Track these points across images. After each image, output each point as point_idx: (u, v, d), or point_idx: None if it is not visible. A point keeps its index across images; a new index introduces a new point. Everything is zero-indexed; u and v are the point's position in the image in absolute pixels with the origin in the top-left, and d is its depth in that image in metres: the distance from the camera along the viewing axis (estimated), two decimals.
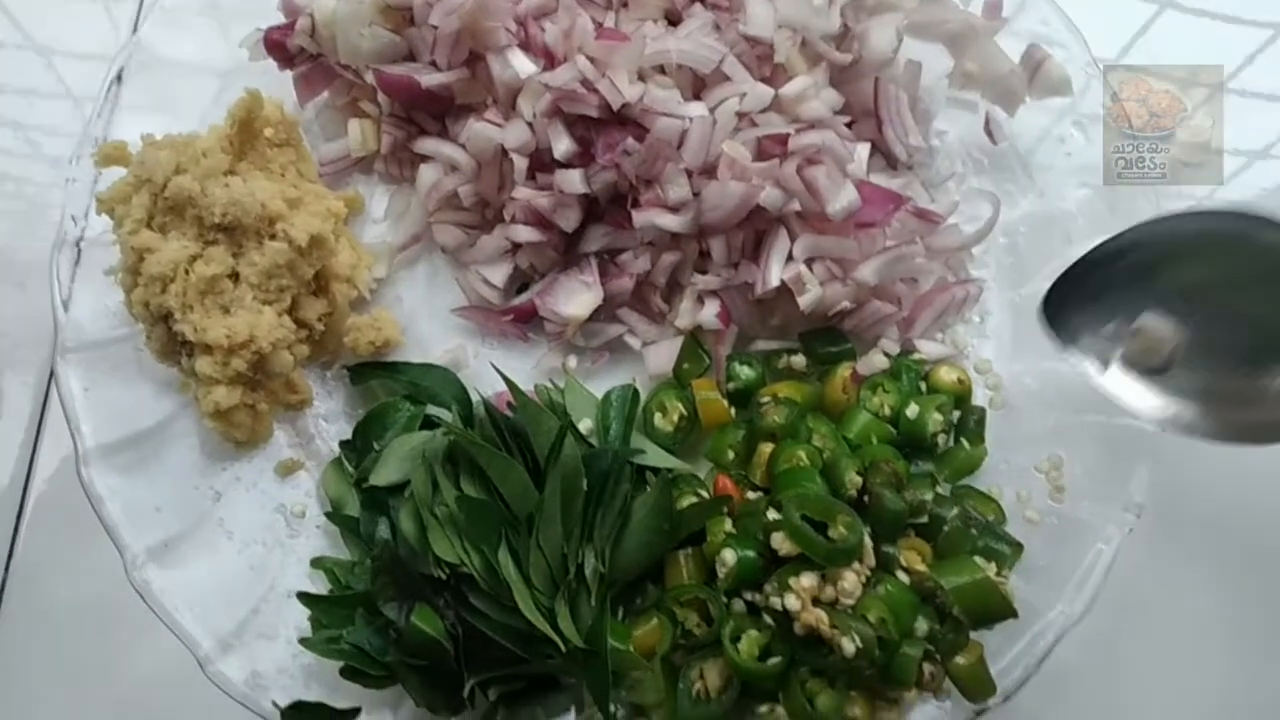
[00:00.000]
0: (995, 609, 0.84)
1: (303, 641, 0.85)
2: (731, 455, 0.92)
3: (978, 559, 0.86)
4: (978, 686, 0.85)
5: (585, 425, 0.90)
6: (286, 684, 0.88)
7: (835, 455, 0.89)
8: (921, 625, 0.83)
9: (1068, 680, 0.99)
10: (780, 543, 0.81)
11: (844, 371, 0.96)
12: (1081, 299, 0.92)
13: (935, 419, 0.92)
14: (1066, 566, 0.92)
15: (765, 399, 0.93)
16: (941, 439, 0.93)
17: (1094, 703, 1.02)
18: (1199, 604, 1.05)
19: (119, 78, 1.03)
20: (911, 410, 0.93)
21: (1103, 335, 0.92)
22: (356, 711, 0.85)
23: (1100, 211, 1.04)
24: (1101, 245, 0.92)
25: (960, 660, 0.85)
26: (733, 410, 0.95)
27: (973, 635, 0.86)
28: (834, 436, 0.91)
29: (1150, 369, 0.91)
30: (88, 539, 0.93)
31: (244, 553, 0.93)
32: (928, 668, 0.83)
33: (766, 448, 0.90)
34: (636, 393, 0.94)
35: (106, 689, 1.00)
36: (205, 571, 0.91)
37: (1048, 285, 1.03)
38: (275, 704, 0.85)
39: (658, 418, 0.93)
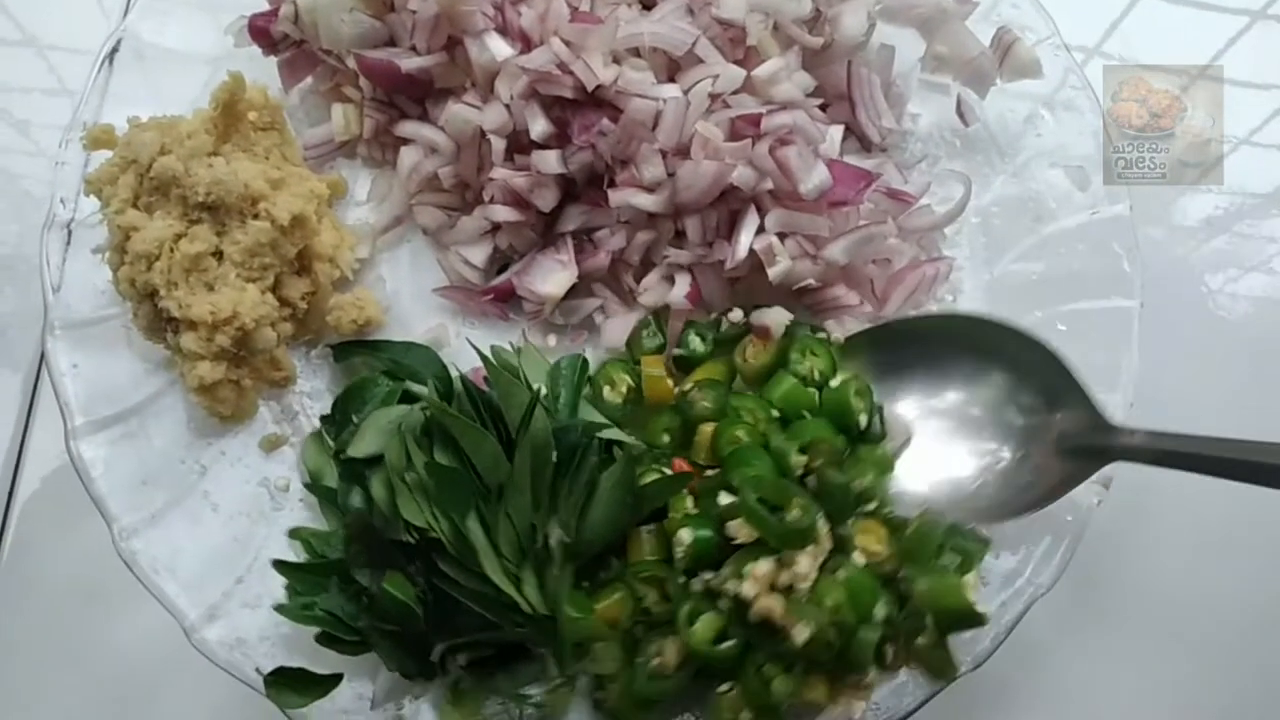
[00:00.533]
0: (965, 618, 0.85)
1: (278, 608, 0.87)
2: (667, 438, 0.93)
3: (945, 560, 0.87)
4: (940, 666, 0.86)
5: (539, 389, 0.92)
6: (269, 651, 0.90)
7: (770, 432, 0.90)
8: (880, 610, 0.84)
9: (1037, 649, 1.01)
10: (737, 529, 0.83)
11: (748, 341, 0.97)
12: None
13: (857, 404, 0.92)
14: (1035, 537, 0.94)
15: (689, 387, 0.94)
16: (863, 418, 0.93)
17: (1061, 673, 1.04)
18: (1166, 576, 1.07)
19: (110, 61, 1.06)
20: (834, 381, 0.94)
21: None
22: (338, 678, 0.87)
23: (1070, 191, 1.06)
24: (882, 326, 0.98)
25: (921, 641, 0.86)
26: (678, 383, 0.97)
27: None
28: (763, 409, 0.92)
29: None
30: (78, 514, 0.95)
31: (229, 525, 0.95)
32: (889, 649, 0.84)
33: (707, 428, 0.91)
34: (586, 362, 0.96)
35: (97, 658, 1.02)
36: (191, 543, 0.93)
37: (1020, 265, 1.06)
38: (259, 670, 0.87)
39: (606, 390, 0.95)
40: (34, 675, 1.03)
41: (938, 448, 0.93)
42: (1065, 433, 0.89)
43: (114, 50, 1.06)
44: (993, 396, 0.93)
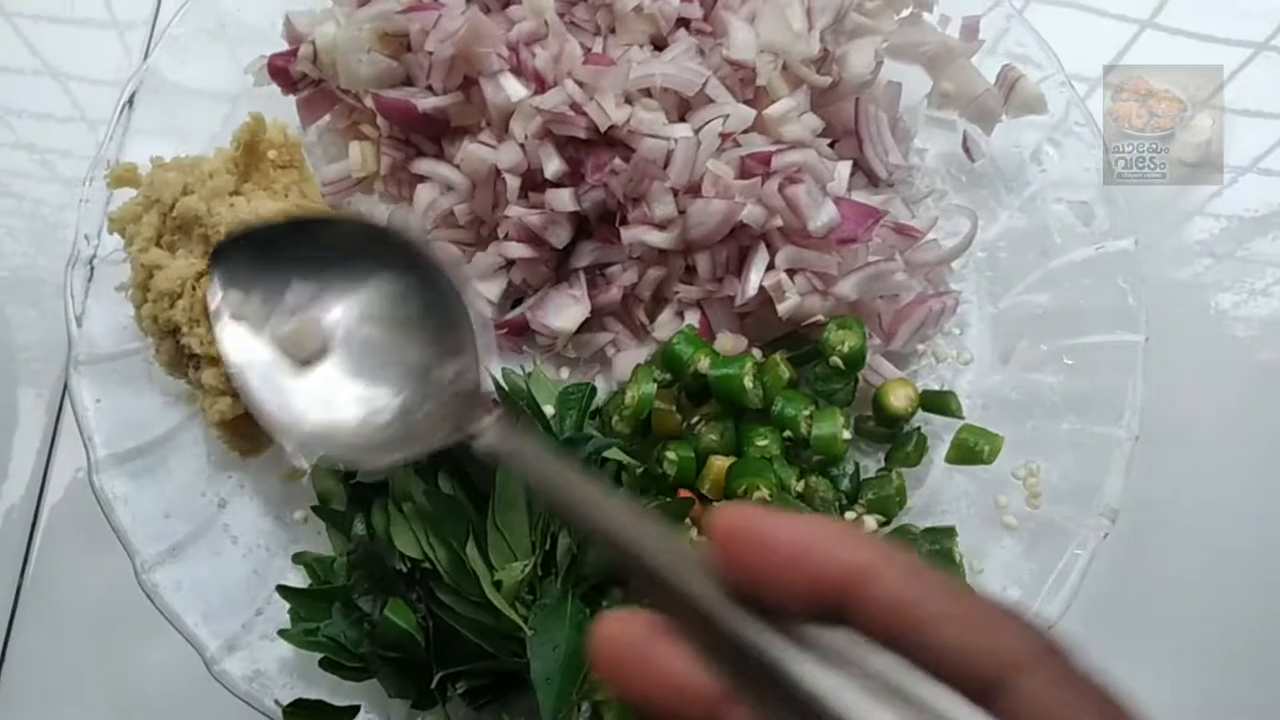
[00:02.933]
0: None
1: (282, 633, 0.89)
2: (673, 470, 0.94)
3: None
4: None
5: (547, 411, 0.95)
6: (288, 683, 0.91)
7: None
8: None
9: None
10: None
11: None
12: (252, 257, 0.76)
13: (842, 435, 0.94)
14: (1043, 571, 0.95)
15: (695, 419, 0.96)
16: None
17: None
18: (1174, 607, 1.08)
19: (130, 102, 1.08)
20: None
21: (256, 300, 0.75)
22: (355, 710, 0.89)
23: (1074, 225, 1.08)
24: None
25: None
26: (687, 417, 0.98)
27: None
28: (776, 441, 0.94)
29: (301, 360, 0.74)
30: (99, 545, 0.97)
31: (248, 557, 0.97)
32: None
33: (719, 462, 0.93)
34: (594, 389, 0.97)
35: (117, 688, 1.04)
36: (211, 575, 0.95)
37: (1026, 298, 1.08)
38: (277, 702, 0.89)
39: (615, 419, 0.96)
40: (54, 704, 1.04)
41: (348, 369, 0.74)
42: (454, 389, 0.71)
43: (136, 89, 1.08)
44: (406, 326, 0.75)
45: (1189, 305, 1.22)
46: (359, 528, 0.91)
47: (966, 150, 1.10)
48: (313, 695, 0.89)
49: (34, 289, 1.21)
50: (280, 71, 1.06)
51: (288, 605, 0.91)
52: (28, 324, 1.20)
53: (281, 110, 1.08)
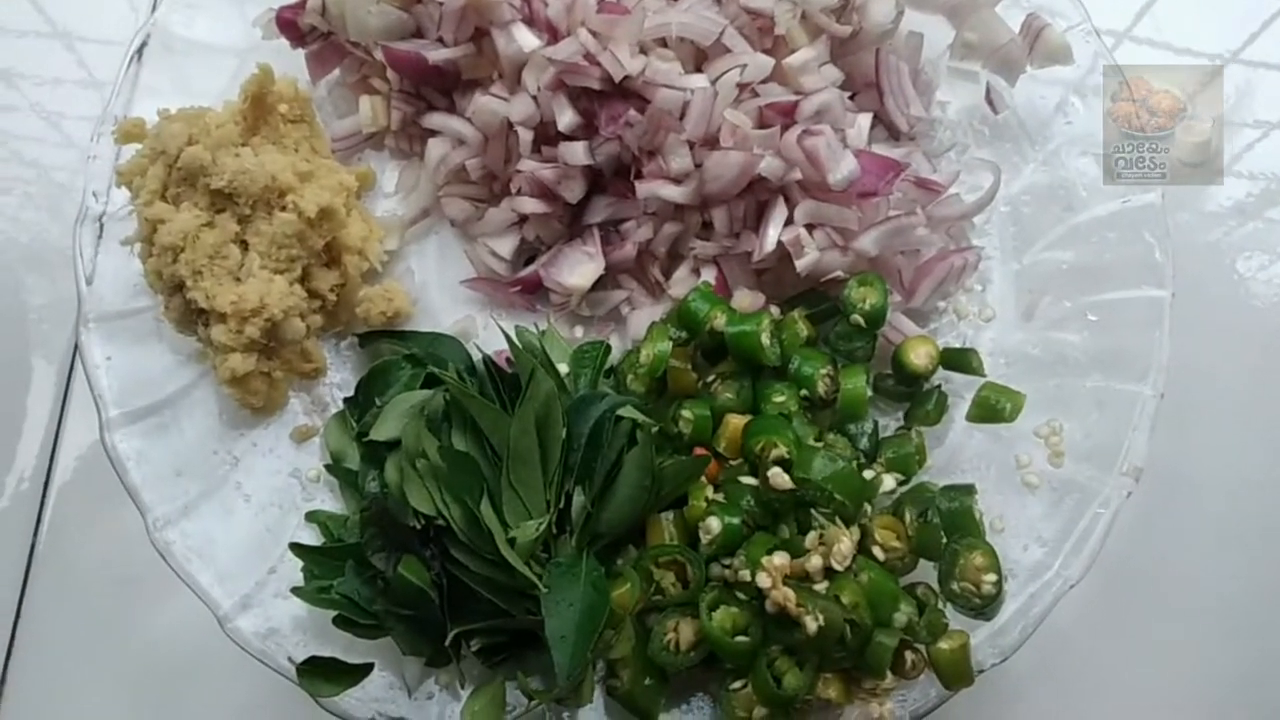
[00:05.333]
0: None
1: (295, 590, 0.88)
2: (689, 428, 0.92)
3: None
4: (957, 675, 0.85)
5: (562, 369, 0.93)
6: (302, 640, 0.91)
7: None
8: (901, 616, 0.84)
9: (1065, 643, 1.01)
10: (776, 476, 0.84)
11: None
12: None
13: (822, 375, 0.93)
14: (1065, 530, 0.93)
15: (712, 377, 0.95)
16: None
17: (1091, 666, 1.04)
18: (1197, 568, 1.07)
19: (138, 57, 1.06)
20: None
21: None
22: (369, 667, 0.88)
23: (1100, 180, 1.05)
24: None
25: (944, 645, 0.85)
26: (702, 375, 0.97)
27: (957, 625, 0.87)
28: (793, 397, 0.92)
29: None
30: (113, 505, 0.97)
31: (261, 515, 0.96)
32: (910, 656, 0.84)
33: (736, 420, 0.91)
34: (608, 346, 0.96)
35: (131, 646, 1.04)
36: (224, 533, 0.94)
37: (1050, 254, 1.05)
38: (291, 660, 0.88)
39: (630, 378, 0.95)
40: (69, 663, 1.04)
41: None
42: None
43: (144, 44, 1.06)
44: None
45: (1213, 266, 1.19)
46: (372, 485, 0.90)
47: (990, 102, 1.08)
48: (326, 653, 0.88)
49: (46, 254, 1.20)
50: (289, 24, 1.04)
51: (301, 563, 0.90)
52: (40, 289, 1.20)
53: (291, 65, 1.06)
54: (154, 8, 1.14)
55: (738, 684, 0.85)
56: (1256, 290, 1.19)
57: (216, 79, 1.08)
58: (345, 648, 0.89)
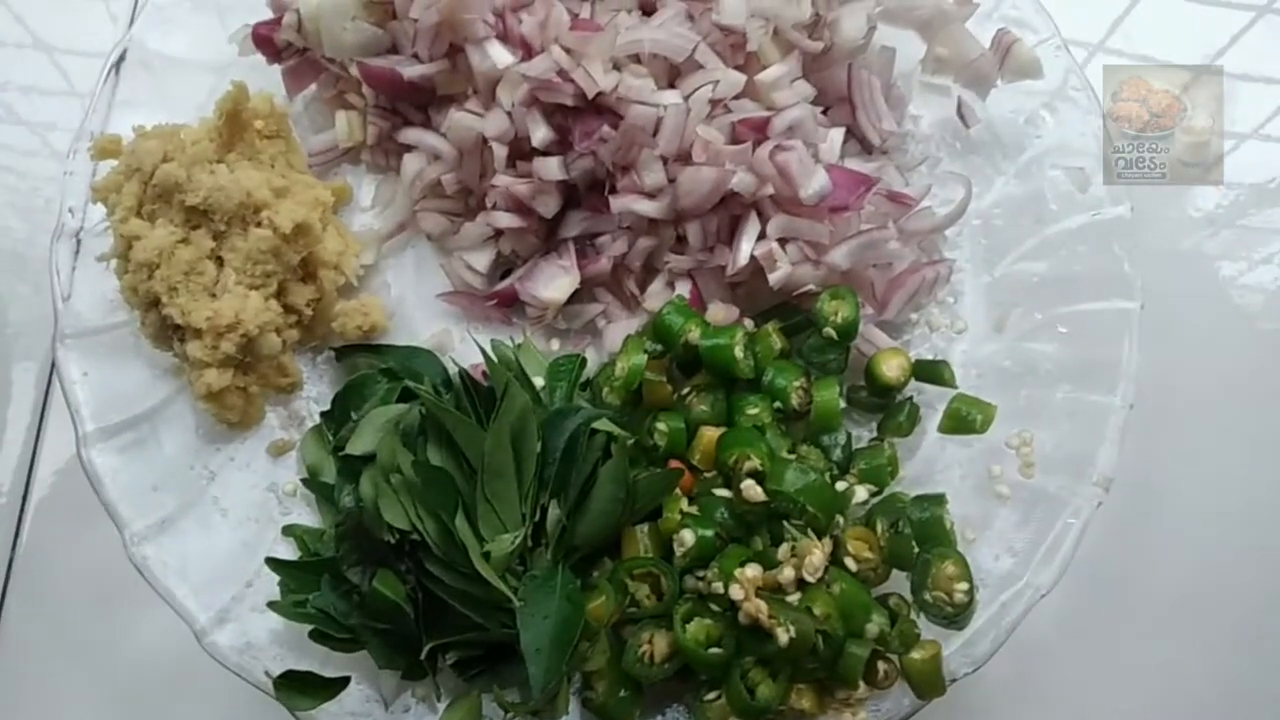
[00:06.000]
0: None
1: (271, 605, 0.89)
2: (663, 441, 0.93)
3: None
4: (929, 685, 0.86)
5: (537, 383, 0.94)
6: (279, 654, 0.91)
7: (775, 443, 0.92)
8: (873, 626, 0.85)
9: (1038, 652, 1.02)
10: (749, 489, 0.85)
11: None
12: None
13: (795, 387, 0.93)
14: (1036, 540, 0.94)
15: (686, 390, 0.95)
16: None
17: (1063, 675, 1.05)
18: (1169, 578, 1.08)
19: (115, 72, 1.07)
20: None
21: None
22: (345, 680, 0.89)
23: (1071, 192, 1.06)
24: None
25: (916, 655, 0.86)
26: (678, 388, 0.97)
27: (930, 635, 0.88)
28: (767, 409, 0.93)
29: None
30: (90, 519, 0.96)
31: (238, 530, 0.97)
32: (882, 666, 0.85)
33: (710, 432, 0.92)
34: (584, 360, 0.97)
35: (109, 660, 1.04)
36: (201, 548, 0.95)
37: (1021, 266, 1.07)
38: (268, 673, 0.89)
39: (605, 391, 0.95)
40: (47, 676, 1.04)
41: None
42: None
43: (120, 59, 1.07)
44: None
45: (1190, 275, 1.21)
46: (348, 500, 0.91)
47: (961, 116, 1.09)
48: (303, 667, 0.89)
49: (25, 264, 1.20)
50: (265, 40, 1.05)
51: (277, 577, 0.91)
52: (19, 299, 1.20)
53: (268, 80, 1.07)
54: (132, 20, 1.14)
55: (712, 695, 0.86)
56: (1229, 297, 1.21)
57: (194, 93, 1.08)
58: (322, 661, 0.90)
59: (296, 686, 0.88)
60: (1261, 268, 1.23)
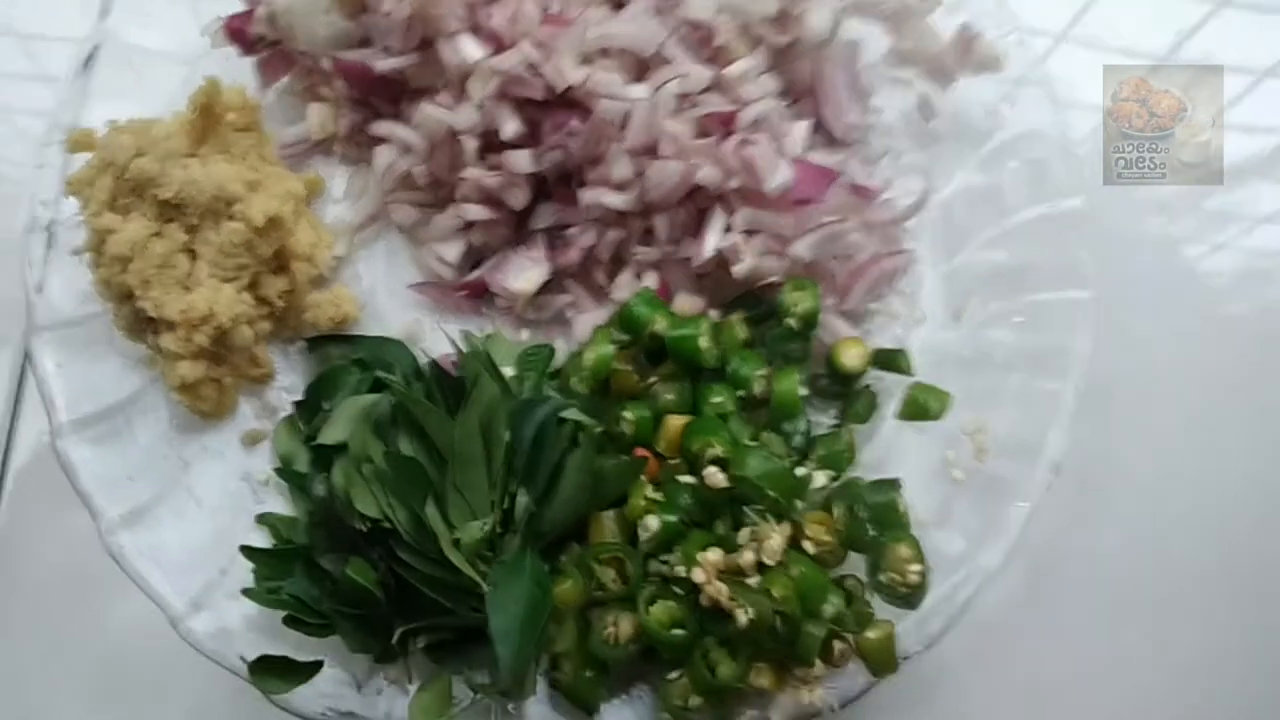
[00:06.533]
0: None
1: (245, 591, 0.90)
2: (630, 429, 0.95)
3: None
4: (882, 663, 0.90)
5: (507, 373, 0.96)
6: (253, 640, 0.93)
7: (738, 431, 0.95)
8: (829, 607, 0.88)
9: (990, 630, 1.05)
10: (712, 475, 0.87)
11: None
12: None
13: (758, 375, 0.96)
14: (987, 523, 0.97)
15: (653, 379, 0.98)
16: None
17: (1015, 650, 1.08)
18: (1123, 559, 1.12)
19: (87, 64, 1.07)
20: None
21: None
22: (319, 664, 0.91)
23: (1029, 184, 1.09)
24: None
25: (870, 635, 0.89)
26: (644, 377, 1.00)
27: (884, 616, 0.91)
28: (731, 398, 0.96)
29: None
30: (66, 508, 0.97)
31: (212, 519, 0.98)
32: (838, 645, 0.88)
33: (675, 420, 0.94)
34: (552, 350, 0.99)
35: (86, 647, 1.06)
36: (176, 536, 0.96)
37: (979, 256, 1.09)
38: (243, 658, 0.91)
39: (574, 380, 0.97)
40: (23, 663, 1.06)
41: None
42: None
43: (93, 51, 1.07)
44: None
45: (1150, 260, 1.23)
46: (320, 489, 0.92)
47: (921, 110, 1.11)
48: (277, 652, 0.90)
49: None
50: (238, 33, 1.06)
51: (252, 565, 0.93)
52: None
53: (241, 72, 1.08)
54: (103, 12, 1.14)
55: (675, 674, 0.89)
56: (1189, 283, 1.24)
57: (167, 86, 1.08)
58: (296, 646, 0.92)
59: (271, 670, 0.89)
60: (1220, 253, 1.26)
